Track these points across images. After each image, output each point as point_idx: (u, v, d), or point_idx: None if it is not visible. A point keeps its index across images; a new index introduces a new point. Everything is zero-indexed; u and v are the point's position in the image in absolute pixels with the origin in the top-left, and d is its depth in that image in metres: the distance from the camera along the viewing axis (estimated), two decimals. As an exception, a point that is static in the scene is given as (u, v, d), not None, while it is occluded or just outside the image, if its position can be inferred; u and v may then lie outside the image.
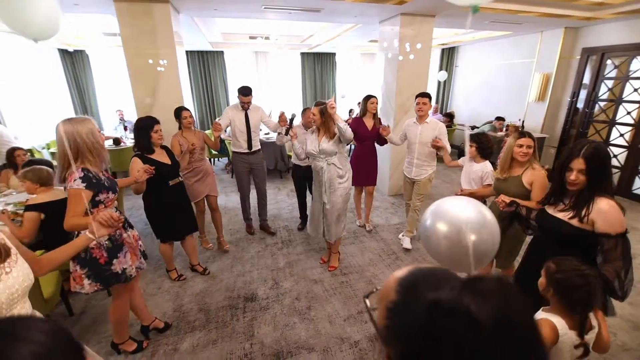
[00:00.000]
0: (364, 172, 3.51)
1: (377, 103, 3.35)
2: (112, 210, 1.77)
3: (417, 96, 3.07)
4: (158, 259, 3.18)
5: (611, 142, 4.90)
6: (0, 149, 3.97)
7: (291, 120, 2.92)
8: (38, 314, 1.17)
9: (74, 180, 1.56)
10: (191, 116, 3.03)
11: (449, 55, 7.77)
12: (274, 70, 8.98)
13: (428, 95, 3.07)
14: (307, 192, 3.69)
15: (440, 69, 7.87)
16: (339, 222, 2.84)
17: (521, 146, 2.01)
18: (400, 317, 0.44)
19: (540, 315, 1.24)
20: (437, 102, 8.32)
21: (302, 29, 6.55)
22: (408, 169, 3.28)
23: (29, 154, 3.74)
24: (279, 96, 9.14)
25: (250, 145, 3.45)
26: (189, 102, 8.46)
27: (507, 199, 1.78)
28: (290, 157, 6.20)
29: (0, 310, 0.99)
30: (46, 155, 5.42)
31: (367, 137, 3.40)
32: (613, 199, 1.36)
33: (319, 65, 9.07)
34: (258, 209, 3.84)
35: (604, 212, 1.33)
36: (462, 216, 1.17)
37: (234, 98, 8.53)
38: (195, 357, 2.10)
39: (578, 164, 1.36)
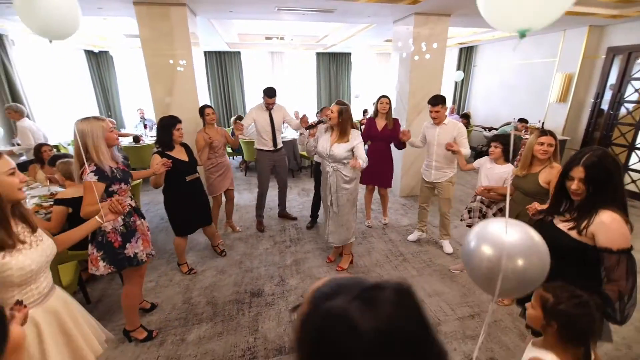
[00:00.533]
0: (375, 172, 3.48)
1: (388, 104, 3.33)
2: (124, 198, 1.89)
3: (429, 103, 2.96)
4: (171, 253, 3.31)
5: (637, 146, 4.66)
6: (29, 145, 4.21)
7: (319, 122, 2.79)
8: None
9: (88, 173, 1.70)
10: (214, 113, 3.25)
11: (467, 55, 7.60)
12: (289, 71, 9.07)
13: (440, 101, 2.92)
14: None
15: (458, 69, 7.72)
16: (348, 228, 2.82)
17: (542, 144, 2.01)
18: (305, 328, 0.44)
19: (531, 352, 1.12)
20: (453, 102, 8.16)
21: (317, 30, 6.58)
22: (427, 172, 3.18)
23: (54, 149, 3.96)
24: (294, 96, 9.22)
25: (275, 143, 3.60)
26: (206, 101, 8.69)
27: (539, 207, 1.68)
28: (303, 156, 6.25)
29: (38, 271, 1.19)
30: (71, 151, 5.70)
31: (377, 137, 3.40)
32: (620, 212, 1.22)
33: (334, 65, 9.08)
34: (278, 199, 4.13)
35: (605, 225, 1.21)
36: (506, 240, 0.97)
37: (249, 98, 8.76)
38: (201, 348, 2.18)
39: (578, 172, 1.27)
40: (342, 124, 2.53)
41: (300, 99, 9.23)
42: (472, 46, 7.47)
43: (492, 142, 2.51)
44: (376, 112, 3.40)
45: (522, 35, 1.13)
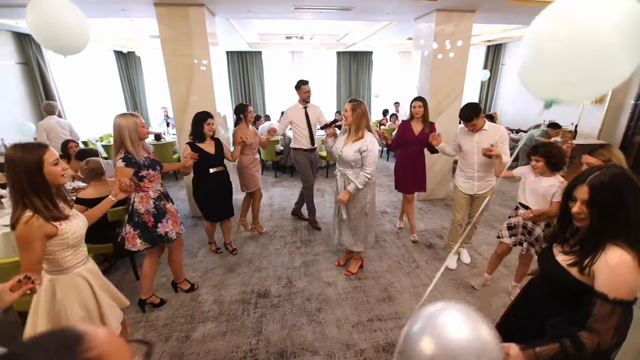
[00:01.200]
0: (409, 178, 3.31)
1: (421, 107, 3.10)
2: (155, 184, 2.28)
3: (460, 118, 2.64)
4: (184, 252, 3.37)
5: (686, 152, 4.24)
6: (57, 140, 4.45)
7: (334, 121, 2.80)
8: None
9: (118, 160, 2.06)
10: (251, 112, 3.38)
11: (495, 53, 7.25)
12: (309, 70, 9.06)
13: (474, 114, 2.55)
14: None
15: (485, 68, 7.38)
16: (356, 235, 2.74)
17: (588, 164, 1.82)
18: None
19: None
20: (478, 102, 7.82)
21: (337, 28, 6.51)
22: (467, 184, 2.81)
23: (80, 145, 4.16)
24: (314, 96, 9.18)
25: (312, 142, 3.65)
26: (226, 100, 8.85)
27: (535, 212, 1.60)
28: (322, 157, 6.21)
29: (82, 237, 1.52)
30: (99, 147, 5.98)
31: (412, 141, 3.18)
32: (633, 251, 0.97)
33: (354, 65, 8.98)
34: (299, 197, 4.10)
35: (610, 266, 0.97)
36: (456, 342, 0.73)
37: (269, 97, 8.82)
38: (204, 346, 2.19)
39: (582, 192, 1.04)
40: (357, 120, 2.43)
41: (320, 98, 9.20)
42: (500, 44, 7.11)
43: (532, 155, 2.15)
44: (411, 116, 3.19)
45: (548, 106, 1.01)
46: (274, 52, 8.75)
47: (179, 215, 2.49)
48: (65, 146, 3.82)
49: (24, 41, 4.84)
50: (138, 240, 2.21)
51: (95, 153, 3.25)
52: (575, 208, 1.06)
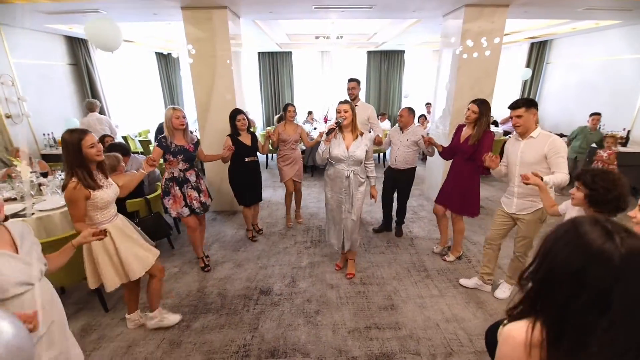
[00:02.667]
0: (449, 191, 2.94)
1: (475, 112, 2.61)
2: (173, 168, 2.72)
3: (510, 106, 2.21)
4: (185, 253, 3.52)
5: None
6: (97, 135, 4.85)
7: (338, 124, 2.58)
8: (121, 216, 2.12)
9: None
10: (294, 111, 3.63)
11: (539, 50, 6.68)
12: (339, 70, 9.01)
13: (523, 104, 2.14)
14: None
15: (527, 66, 6.83)
16: (359, 233, 2.75)
17: None
18: None
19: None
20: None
21: (366, 27, 6.40)
22: (507, 199, 2.42)
23: (120, 139, 4.50)
24: (343, 96, 9.12)
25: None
26: (255, 100, 9.01)
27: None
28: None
29: (110, 202, 1.95)
30: (136, 143, 6.44)
31: (457, 150, 2.82)
32: (528, 331, 0.75)
33: (385, 64, 8.78)
34: None
35: (500, 338, 0.82)
36: None
37: (298, 96, 8.91)
38: (202, 337, 2.26)
39: None
40: (354, 119, 2.50)
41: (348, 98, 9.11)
42: (545, 40, 6.53)
43: (576, 179, 1.58)
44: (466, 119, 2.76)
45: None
46: (304, 53, 8.82)
47: (194, 202, 2.81)
48: (102, 140, 4.15)
49: (74, 44, 5.35)
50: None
51: (124, 148, 3.49)
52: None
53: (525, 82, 6.97)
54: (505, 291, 2.63)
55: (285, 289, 2.78)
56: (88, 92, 5.56)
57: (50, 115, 4.87)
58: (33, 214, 2.64)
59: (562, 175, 2.02)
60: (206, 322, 2.41)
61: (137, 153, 6.27)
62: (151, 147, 6.19)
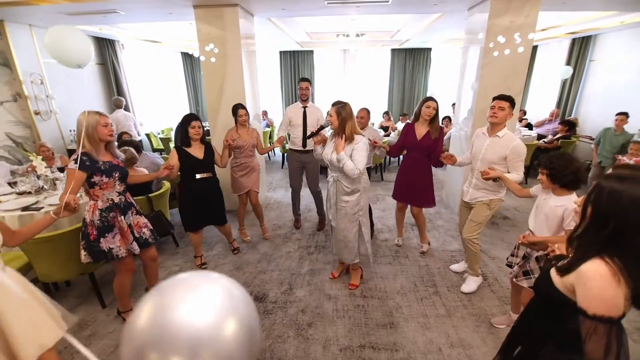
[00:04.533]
0: (408, 187, 3.03)
1: (435, 109, 2.77)
2: (108, 193, 2.04)
3: (494, 98, 2.34)
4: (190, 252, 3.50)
5: None
6: (125, 129, 5.03)
7: (321, 127, 2.66)
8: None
9: (70, 160, 1.91)
10: (246, 114, 3.21)
11: (581, 47, 6.05)
12: (361, 68, 8.79)
13: (508, 100, 2.29)
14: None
15: (568, 64, 6.22)
16: (346, 247, 2.52)
17: None
18: None
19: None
20: (557, 105, 6.65)
21: (389, 24, 6.14)
22: (465, 189, 2.62)
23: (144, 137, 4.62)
24: (365, 96, 8.90)
25: (304, 144, 3.46)
26: (276, 99, 9.01)
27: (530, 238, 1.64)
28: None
29: None
30: (159, 140, 6.64)
31: (414, 147, 2.91)
32: (614, 266, 0.85)
33: (410, 62, 8.43)
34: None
35: (584, 278, 0.88)
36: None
37: (319, 96, 8.78)
38: (189, 343, 2.20)
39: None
40: (343, 123, 2.29)
41: (371, 98, 8.86)
42: (588, 36, 5.90)
43: (538, 167, 1.84)
44: (417, 117, 2.87)
45: None
46: (326, 51, 8.68)
47: (144, 231, 2.25)
48: (120, 136, 4.29)
49: (102, 44, 5.59)
50: (83, 252, 2.03)
51: (136, 145, 3.55)
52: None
53: (564, 82, 6.36)
54: (471, 284, 2.68)
55: (281, 296, 2.67)
56: (114, 91, 5.79)
57: (77, 113, 5.02)
58: (42, 207, 2.73)
59: (517, 176, 2.23)
60: (196, 326, 2.35)
61: (159, 150, 6.50)
62: (171, 145, 6.35)
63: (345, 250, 2.54)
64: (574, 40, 6.13)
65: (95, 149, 1.95)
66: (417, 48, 8.20)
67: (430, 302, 2.59)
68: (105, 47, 5.62)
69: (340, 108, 2.26)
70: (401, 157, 3.69)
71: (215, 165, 2.92)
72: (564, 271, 0.96)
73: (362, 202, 2.42)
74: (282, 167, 6.65)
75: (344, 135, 2.29)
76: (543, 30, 6.17)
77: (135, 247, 2.17)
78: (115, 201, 2.08)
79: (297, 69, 8.61)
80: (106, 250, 2.03)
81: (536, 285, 1.15)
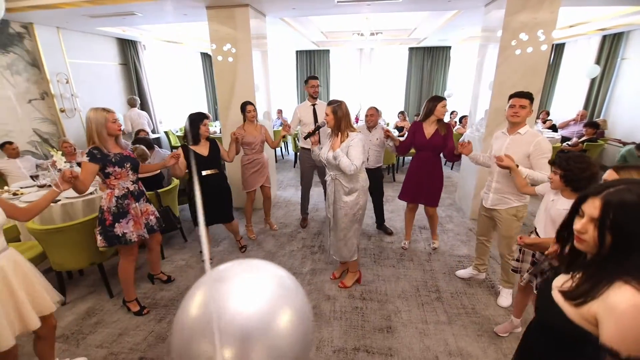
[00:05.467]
0: (417, 187, 3.00)
1: (446, 108, 2.77)
2: (123, 182, 2.20)
3: (512, 96, 2.18)
4: (196, 247, 3.58)
5: None
6: (139, 127, 5.24)
7: (318, 127, 2.59)
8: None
9: (83, 154, 2.08)
10: (255, 110, 3.29)
11: (612, 44, 5.69)
12: (378, 67, 8.67)
13: (528, 97, 2.13)
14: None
15: (597, 62, 5.86)
16: (346, 245, 2.50)
17: None
18: None
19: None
20: (585, 106, 6.28)
21: (405, 22, 6.03)
22: (485, 194, 2.47)
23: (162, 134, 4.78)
24: (381, 95, 8.79)
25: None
26: (292, 99, 9.06)
27: (528, 240, 1.56)
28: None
29: None
30: (177, 138, 6.84)
31: (423, 146, 2.87)
32: None
33: (428, 61, 8.24)
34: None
35: (618, 311, 0.71)
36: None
37: (335, 95, 8.76)
38: (187, 335, 2.26)
39: (592, 207, 0.79)
40: (338, 122, 2.28)
41: (387, 98, 8.74)
42: (620, 32, 5.53)
43: (552, 165, 1.73)
44: (428, 116, 2.82)
45: None
46: (342, 50, 8.64)
47: (151, 218, 2.40)
48: (137, 134, 4.47)
49: (125, 45, 5.83)
50: (99, 237, 2.18)
51: (148, 142, 3.68)
52: (578, 225, 0.83)
53: (593, 81, 6.00)
54: (507, 297, 2.52)
55: (280, 294, 2.68)
56: (135, 90, 6.03)
57: (99, 110, 5.35)
58: (59, 200, 2.88)
59: (541, 175, 2.04)
60: (195, 320, 2.40)
61: (177, 147, 6.72)
62: (187, 142, 6.54)
63: (345, 249, 2.52)
64: (604, 37, 5.77)
65: (105, 143, 2.08)
66: (436, 46, 7.99)
67: (431, 307, 2.51)
68: (127, 48, 5.86)
69: (336, 107, 2.26)
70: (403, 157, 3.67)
71: (223, 162, 3.02)
72: (579, 300, 0.80)
73: (361, 201, 2.39)
74: (294, 167, 6.68)
75: (339, 133, 2.29)
76: (571, 26, 5.85)
77: (145, 234, 2.34)
78: (130, 189, 2.24)
79: (313, 68, 8.62)
80: (120, 235, 2.18)
81: (540, 315, 1.01)
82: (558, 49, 7.03)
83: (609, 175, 1.24)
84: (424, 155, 2.91)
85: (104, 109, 2.07)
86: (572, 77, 6.69)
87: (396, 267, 3.05)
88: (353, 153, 2.21)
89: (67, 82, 4.74)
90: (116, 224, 2.17)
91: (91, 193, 3.09)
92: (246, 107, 3.24)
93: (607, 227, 0.75)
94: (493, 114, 3.61)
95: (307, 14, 4.20)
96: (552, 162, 1.70)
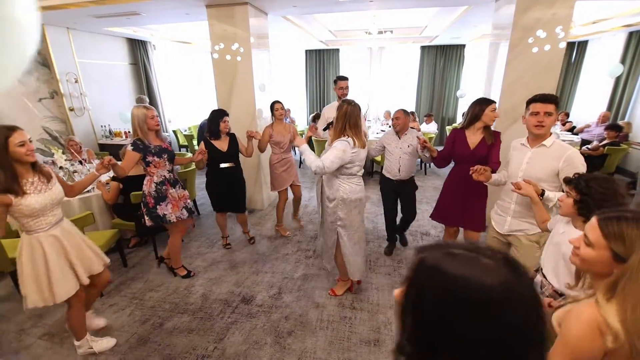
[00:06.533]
0: (460, 208, 2.46)
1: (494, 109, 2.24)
2: (161, 170, 2.52)
3: (532, 101, 1.78)
4: (209, 237, 3.56)
5: None
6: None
7: (330, 124, 2.46)
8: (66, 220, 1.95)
9: (128, 144, 2.42)
10: (283, 109, 3.34)
11: (638, 42, 5.30)
12: (389, 66, 8.48)
13: (554, 101, 1.74)
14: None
15: (623, 61, 5.48)
16: (327, 252, 2.41)
17: None
18: None
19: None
20: (609, 108, 5.90)
21: (415, 20, 5.83)
22: (499, 217, 2.02)
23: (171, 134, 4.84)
24: (392, 94, 8.60)
25: None
26: (301, 98, 8.97)
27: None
28: (375, 161, 5.75)
29: (43, 209, 1.71)
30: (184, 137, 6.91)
31: (466, 158, 2.33)
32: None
33: (441, 60, 7.98)
34: None
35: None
36: None
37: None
38: (168, 339, 2.22)
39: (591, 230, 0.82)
40: (335, 123, 2.19)
41: (398, 97, 8.53)
42: (650, 28, 5.14)
43: (566, 184, 1.35)
44: (473, 122, 2.29)
45: None
46: (352, 49, 8.49)
47: (188, 201, 2.71)
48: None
49: (134, 45, 5.93)
50: (146, 217, 2.56)
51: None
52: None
53: (617, 81, 5.61)
54: None
55: (268, 300, 2.61)
56: (144, 89, 6.13)
57: (108, 109, 5.47)
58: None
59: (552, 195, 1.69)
60: (179, 323, 2.37)
61: (184, 146, 6.79)
62: (194, 143, 6.59)
63: (326, 255, 2.43)
64: (630, 33, 5.39)
65: (146, 136, 2.42)
66: (449, 45, 7.73)
67: (424, 320, 2.37)
68: (137, 48, 5.96)
69: (339, 107, 2.17)
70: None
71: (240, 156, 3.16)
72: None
73: (339, 213, 2.24)
74: (299, 167, 6.60)
75: (337, 134, 2.17)
76: (594, 22, 5.48)
77: (185, 214, 2.64)
78: (167, 177, 2.56)
79: (322, 67, 8.53)
80: (162, 216, 2.53)
81: None
82: (580, 47, 6.64)
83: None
84: (465, 169, 2.28)
85: (145, 107, 2.40)
86: (595, 77, 6.29)
87: (392, 276, 2.92)
88: (329, 153, 2.09)
89: (76, 82, 4.85)
90: (157, 206, 2.51)
91: (88, 191, 3.13)
92: (274, 106, 3.29)
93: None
94: (502, 117, 3.40)
95: (309, 12, 4.11)
96: (567, 181, 1.34)
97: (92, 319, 2.25)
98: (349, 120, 2.13)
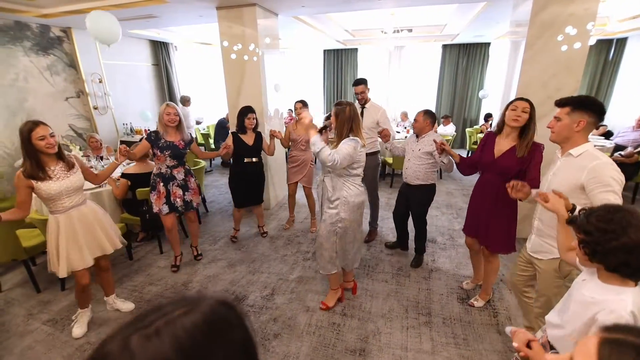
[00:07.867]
0: (476, 220, 2.27)
1: (528, 112, 1.90)
2: (161, 164, 2.71)
3: (562, 101, 1.55)
4: (214, 235, 3.63)
5: None
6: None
7: (324, 127, 2.42)
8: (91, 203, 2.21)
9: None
10: (301, 107, 3.39)
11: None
12: (409, 66, 8.25)
13: (569, 103, 1.53)
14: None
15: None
16: (322, 255, 2.32)
17: None
18: None
19: None
20: None
21: (435, 18, 5.63)
22: (530, 235, 1.81)
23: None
24: (411, 94, 8.36)
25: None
26: (318, 98, 8.95)
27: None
28: (387, 164, 5.61)
29: (59, 194, 1.94)
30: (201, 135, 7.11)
31: (488, 166, 2.12)
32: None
33: (464, 59, 7.66)
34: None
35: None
36: None
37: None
38: (159, 333, 2.28)
39: None
40: (339, 126, 2.12)
41: (417, 97, 8.29)
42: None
43: (569, 222, 1.10)
44: (501, 127, 2.05)
45: None
46: (371, 49, 8.35)
47: (178, 200, 2.80)
48: (155, 132, 4.71)
49: (156, 47, 6.19)
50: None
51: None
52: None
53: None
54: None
55: (260, 301, 2.61)
56: (165, 89, 6.38)
57: (130, 108, 5.74)
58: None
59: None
60: (172, 318, 2.43)
61: (201, 145, 7.00)
62: (210, 141, 6.76)
63: (320, 258, 2.37)
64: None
65: (164, 130, 2.64)
66: (473, 43, 7.39)
67: (416, 333, 2.27)
68: (159, 49, 6.21)
69: (339, 110, 2.10)
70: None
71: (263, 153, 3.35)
72: None
73: (342, 214, 2.19)
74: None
75: (341, 137, 2.13)
76: (634, 18, 5.02)
77: (165, 209, 2.76)
78: (162, 171, 2.72)
79: (340, 67, 8.46)
80: (151, 202, 2.80)
81: None
82: (619, 44, 6.10)
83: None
84: (487, 178, 2.15)
85: (166, 104, 2.62)
86: (635, 77, 5.76)
87: (389, 283, 2.83)
88: (342, 147, 2.02)
89: (101, 82, 5.13)
90: (151, 193, 2.79)
91: (100, 186, 3.30)
92: (296, 105, 3.40)
93: None
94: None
95: (319, 11, 4.07)
96: (568, 221, 1.11)
97: (120, 304, 2.50)
98: (354, 121, 2.10)
